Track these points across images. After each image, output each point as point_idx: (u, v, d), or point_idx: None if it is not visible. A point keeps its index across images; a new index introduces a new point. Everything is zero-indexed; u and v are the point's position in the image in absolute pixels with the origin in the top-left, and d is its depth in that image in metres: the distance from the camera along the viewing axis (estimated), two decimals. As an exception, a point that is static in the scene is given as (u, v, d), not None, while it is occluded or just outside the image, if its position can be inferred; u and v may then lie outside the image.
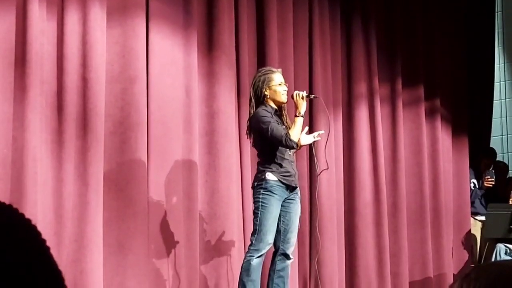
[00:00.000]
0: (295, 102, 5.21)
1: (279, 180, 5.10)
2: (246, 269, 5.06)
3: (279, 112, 5.25)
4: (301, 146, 5.28)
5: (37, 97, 5.03)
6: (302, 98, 5.20)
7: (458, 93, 8.04)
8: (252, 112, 5.21)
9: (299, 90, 5.31)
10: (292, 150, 5.21)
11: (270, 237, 5.05)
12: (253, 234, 5.10)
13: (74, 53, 5.30)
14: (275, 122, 5.09)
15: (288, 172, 5.16)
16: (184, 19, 5.96)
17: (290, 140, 5.04)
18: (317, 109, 6.71)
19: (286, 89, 5.24)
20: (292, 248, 5.23)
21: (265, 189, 5.10)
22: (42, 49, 5.14)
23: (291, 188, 5.19)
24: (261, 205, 5.08)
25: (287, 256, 5.18)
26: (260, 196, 5.10)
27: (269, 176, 5.11)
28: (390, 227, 7.18)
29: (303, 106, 5.18)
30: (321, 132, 5.53)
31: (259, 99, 5.21)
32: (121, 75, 5.54)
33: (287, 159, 5.17)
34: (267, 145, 5.17)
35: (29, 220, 1.00)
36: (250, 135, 5.30)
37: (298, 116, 5.14)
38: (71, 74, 5.28)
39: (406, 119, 7.56)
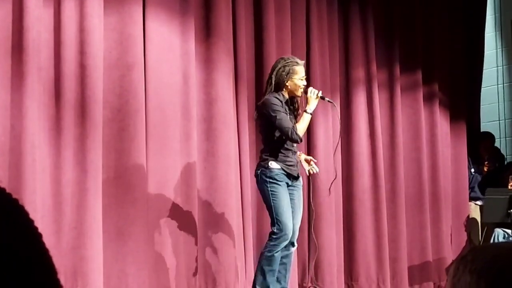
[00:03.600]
0: (307, 98, 5.23)
1: (282, 169, 5.14)
2: (268, 258, 5.10)
3: (290, 103, 5.27)
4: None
5: (34, 84, 5.03)
6: (317, 97, 5.24)
7: (456, 78, 8.04)
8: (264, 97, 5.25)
9: (314, 88, 5.35)
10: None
11: (290, 223, 5.12)
12: (272, 224, 5.14)
13: (71, 40, 5.29)
14: (285, 113, 5.11)
15: (291, 162, 5.21)
16: (181, 6, 5.95)
17: (296, 134, 5.10)
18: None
19: (305, 83, 5.28)
20: (296, 235, 5.26)
21: (270, 177, 5.14)
22: (39, 36, 5.13)
23: (293, 178, 5.23)
24: (271, 195, 5.13)
25: (292, 244, 5.22)
26: (268, 186, 5.13)
27: (272, 164, 5.14)
28: (388, 212, 7.19)
29: (313, 104, 5.24)
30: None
31: (278, 87, 5.22)
32: (118, 62, 5.54)
33: (291, 149, 5.23)
34: (273, 134, 5.20)
35: (27, 213, 1.00)
36: (258, 120, 5.34)
37: (308, 113, 5.20)
38: (69, 61, 5.27)
39: (404, 104, 7.56)
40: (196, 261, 5.86)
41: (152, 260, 5.64)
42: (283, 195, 5.12)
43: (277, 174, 5.13)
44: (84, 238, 5.20)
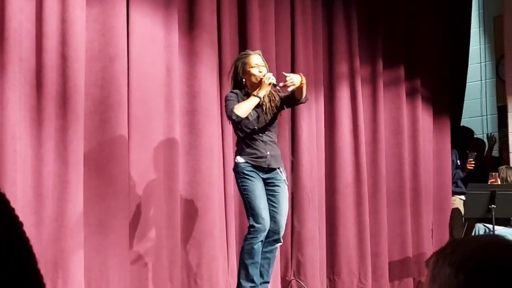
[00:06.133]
0: (261, 82, 5.13)
1: (247, 162, 5.11)
2: (248, 251, 5.08)
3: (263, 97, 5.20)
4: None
5: (16, 74, 4.99)
6: (270, 84, 5.11)
7: (439, 73, 8.06)
8: None
9: (272, 72, 5.24)
10: (267, 131, 5.17)
11: (264, 213, 5.07)
12: (247, 217, 5.14)
13: (53, 30, 5.26)
14: (235, 102, 5.09)
15: (257, 153, 5.14)
16: (165, -3, 5.93)
17: (232, 111, 5.03)
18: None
19: (263, 71, 5.16)
20: (282, 231, 5.22)
21: (238, 172, 5.15)
22: (20, 27, 5.09)
23: (265, 170, 5.18)
24: (242, 189, 5.14)
25: (277, 240, 5.20)
26: (239, 181, 5.16)
27: (238, 159, 5.16)
28: (370, 207, 7.21)
29: (265, 89, 5.09)
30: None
31: (237, 82, 5.24)
32: (101, 53, 5.51)
33: (259, 140, 5.16)
34: (235, 127, 5.20)
35: (8, 201, 0.99)
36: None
37: (255, 96, 5.09)
38: (50, 52, 5.24)
39: (387, 100, 7.57)
40: (178, 254, 5.84)
41: (134, 252, 5.63)
42: (253, 188, 5.09)
43: (244, 168, 5.12)
44: (65, 230, 5.18)
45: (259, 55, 5.26)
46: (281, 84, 5.13)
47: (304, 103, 5.42)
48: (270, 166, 5.17)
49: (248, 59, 5.20)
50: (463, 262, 1.35)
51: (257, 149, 5.14)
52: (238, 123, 5.12)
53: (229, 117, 5.09)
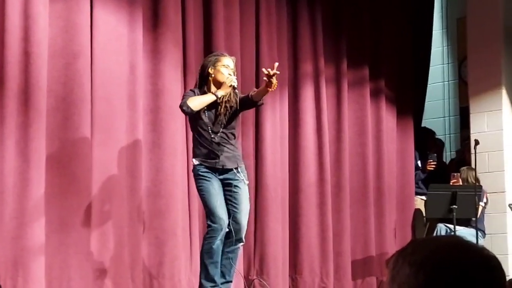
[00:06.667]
0: (223, 82, 5.13)
1: (201, 163, 5.13)
2: (207, 251, 5.08)
3: (226, 99, 5.17)
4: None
5: (-24, 71, 4.93)
6: (230, 86, 5.11)
7: (402, 74, 8.12)
8: None
9: (234, 75, 5.20)
10: (220, 133, 5.15)
11: (220, 211, 5.07)
12: (206, 217, 5.15)
13: (15, 26, 5.20)
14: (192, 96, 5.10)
15: (210, 154, 5.13)
16: (130, -5, 5.89)
17: (184, 103, 5.03)
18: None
19: (232, 75, 5.15)
20: (244, 231, 5.21)
21: (195, 174, 5.19)
22: (-18, 22, 5.03)
23: (220, 171, 5.17)
24: (199, 189, 5.17)
25: (239, 240, 5.19)
26: (196, 184, 5.21)
27: (194, 161, 5.20)
28: (333, 207, 7.23)
29: (224, 91, 5.10)
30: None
31: (203, 78, 5.21)
32: (64, 50, 5.46)
33: (212, 141, 5.14)
34: (191, 127, 5.24)
35: None
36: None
37: (213, 93, 5.11)
38: (12, 48, 5.18)
39: (351, 100, 7.61)
40: (140, 252, 5.81)
41: (96, 251, 5.58)
42: (209, 187, 5.10)
43: (199, 170, 5.14)
44: (25, 228, 5.12)
45: (233, 61, 5.28)
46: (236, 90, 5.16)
47: (259, 106, 5.47)
48: (224, 167, 5.17)
49: (222, 58, 5.24)
50: (423, 262, 1.36)
51: (210, 150, 5.14)
52: (191, 118, 5.14)
53: (181, 108, 5.08)
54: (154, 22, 6.07)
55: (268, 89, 5.04)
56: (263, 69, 5.10)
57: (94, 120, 5.60)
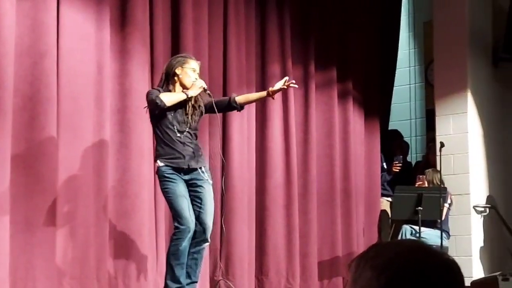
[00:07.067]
0: (193, 85, 5.16)
1: (166, 165, 5.12)
2: (174, 253, 5.08)
3: (194, 100, 5.20)
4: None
5: None
6: (201, 87, 5.16)
7: (370, 76, 8.18)
8: None
9: (201, 76, 5.30)
10: (185, 132, 5.16)
11: (187, 213, 5.07)
12: (173, 219, 5.15)
13: (-20, 25, 5.14)
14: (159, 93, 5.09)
15: (175, 153, 5.14)
16: (97, -6, 5.86)
17: (157, 96, 5.02)
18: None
19: (198, 79, 5.19)
20: (209, 231, 5.22)
21: (160, 176, 5.16)
22: None
23: (185, 170, 5.17)
24: (165, 192, 5.16)
25: (204, 240, 5.20)
26: (161, 186, 5.18)
27: (158, 162, 5.17)
28: (300, 208, 7.26)
29: (195, 91, 5.14)
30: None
31: (168, 77, 5.20)
32: (31, 49, 5.41)
33: (177, 141, 5.15)
34: (155, 126, 5.22)
35: None
36: (151, 120, 5.29)
37: (184, 93, 5.13)
38: (-22, 47, 5.12)
39: (319, 101, 7.64)
40: (106, 253, 5.78)
41: (61, 251, 5.55)
42: (174, 189, 5.09)
43: (164, 171, 5.12)
44: (-10, 228, 5.07)
45: (199, 65, 5.30)
46: (207, 92, 5.25)
47: (239, 111, 5.55)
48: (190, 167, 5.17)
49: (189, 60, 5.25)
50: (385, 266, 1.37)
51: (175, 149, 5.14)
52: (156, 116, 5.11)
53: (153, 102, 5.03)
54: (122, 21, 6.04)
55: (272, 98, 5.41)
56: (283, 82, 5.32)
57: (61, 120, 5.56)
